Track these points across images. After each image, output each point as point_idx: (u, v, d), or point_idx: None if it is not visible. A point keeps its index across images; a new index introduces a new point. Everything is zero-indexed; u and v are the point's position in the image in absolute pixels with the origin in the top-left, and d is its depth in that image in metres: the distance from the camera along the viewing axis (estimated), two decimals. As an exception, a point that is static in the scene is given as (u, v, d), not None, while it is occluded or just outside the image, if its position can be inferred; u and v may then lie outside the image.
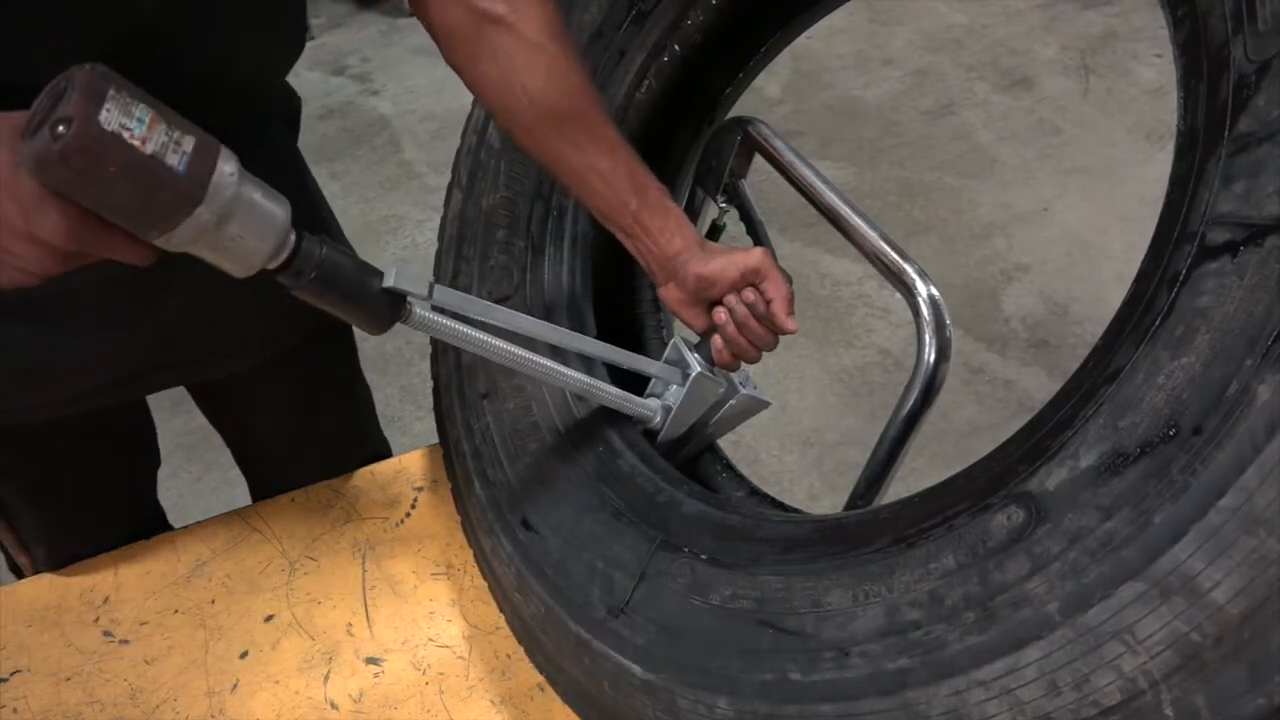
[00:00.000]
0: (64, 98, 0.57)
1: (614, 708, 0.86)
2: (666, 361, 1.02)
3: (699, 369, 0.99)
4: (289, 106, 1.13)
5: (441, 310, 0.82)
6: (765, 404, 1.06)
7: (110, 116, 0.57)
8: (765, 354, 1.00)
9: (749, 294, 0.95)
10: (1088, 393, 0.65)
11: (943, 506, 0.70)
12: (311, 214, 1.18)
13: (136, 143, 0.58)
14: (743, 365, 1.05)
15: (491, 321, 0.88)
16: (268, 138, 1.08)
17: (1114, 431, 0.61)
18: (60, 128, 0.56)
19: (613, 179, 0.93)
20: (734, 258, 0.94)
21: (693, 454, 1.11)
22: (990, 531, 0.65)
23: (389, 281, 0.76)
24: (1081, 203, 3.17)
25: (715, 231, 1.17)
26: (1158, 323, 0.62)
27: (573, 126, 0.92)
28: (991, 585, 0.63)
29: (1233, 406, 0.56)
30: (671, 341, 1.03)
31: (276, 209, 0.67)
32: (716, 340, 0.98)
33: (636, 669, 0.81)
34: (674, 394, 1.01)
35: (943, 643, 0.64)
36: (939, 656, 0.64)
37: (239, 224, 0.64)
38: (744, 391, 1.04)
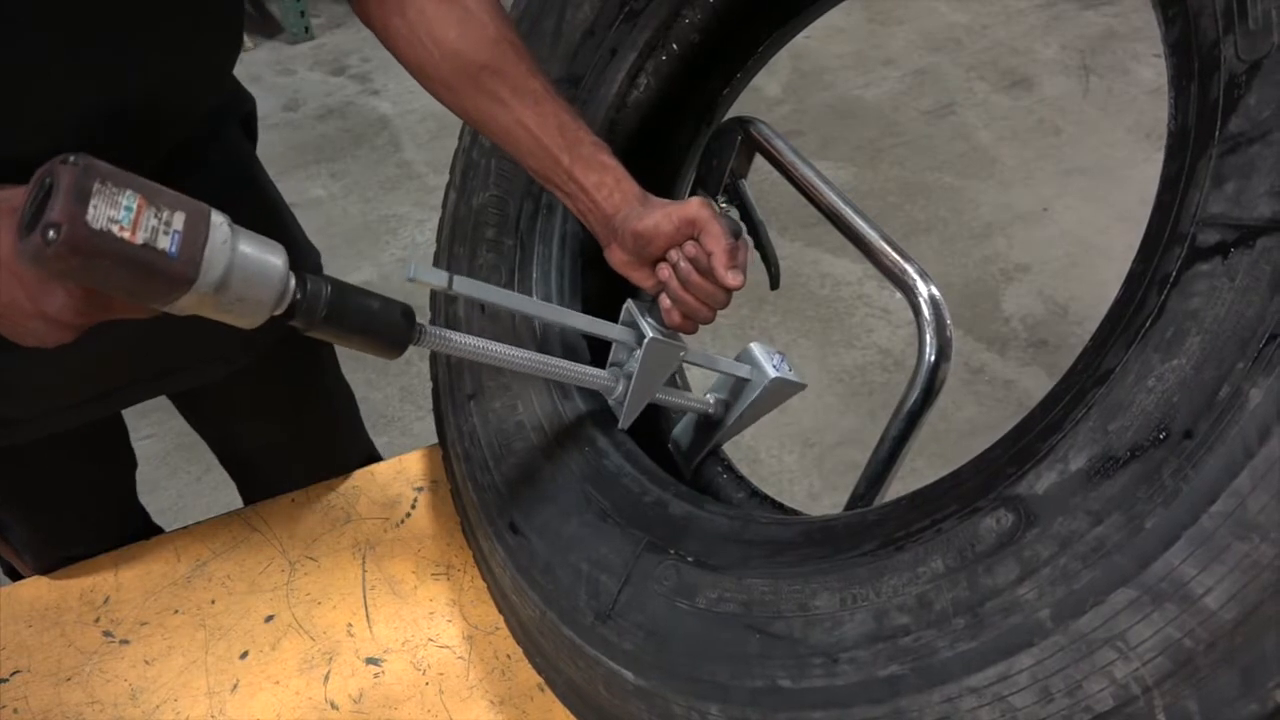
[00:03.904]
0: (51, 197, 0.58)
1: (611, 710, 0.86)
2: (622, 325, 0.96)
3: (651, 333, 0.92)
4: (242, 109, 1.12)
5: (453, 327, 0.82)
6: (800, 386, 1.02)
7: (98, 213, 0.58)
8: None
9: (690, 248, 0.89)
10: (1077, 395, 0.64)
11: (931, 509, 0.69)
12: (268, 215, 1.17)
13: (126, 234, 0.59)
14: (775, 348, 1.02)
15: (510, 307, 0.88)
16: (225, 138, 1.08)
17: (1104, 434, 0.60)
18: (50, 233, 0.57)
19: (541, 134, 0.90)
20: (669, 210, 0.89)
21: (724, 441, 1.09)
22: (979, 535, 0.64)
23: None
24: (1081, 203, 3.17)
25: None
26: (1148, 324, 0.61)
27: (493, 79, 0.90)
28: (981, 590, 0.62)
29: (1224, 410, 0.55)
30: (625, 304, 0.97)
31: (273, 260, 0.67)
32: (664, 300, 0.92)
33: (628, 674, 0.81)
34: (634, 360, 0.95)
35: (933, 649, 0.63)
36: (930, 663, 0.63)
37: (238, 287, 0.65)
38: (776, 374, 1.00)
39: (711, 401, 1.05)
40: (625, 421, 0.98)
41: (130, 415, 1.21)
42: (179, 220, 0.62)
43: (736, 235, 0.91)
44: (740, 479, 1.09)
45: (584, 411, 1.03)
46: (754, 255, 1.10)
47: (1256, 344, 0.55)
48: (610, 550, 0.88)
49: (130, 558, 1.18)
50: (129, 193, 0.60)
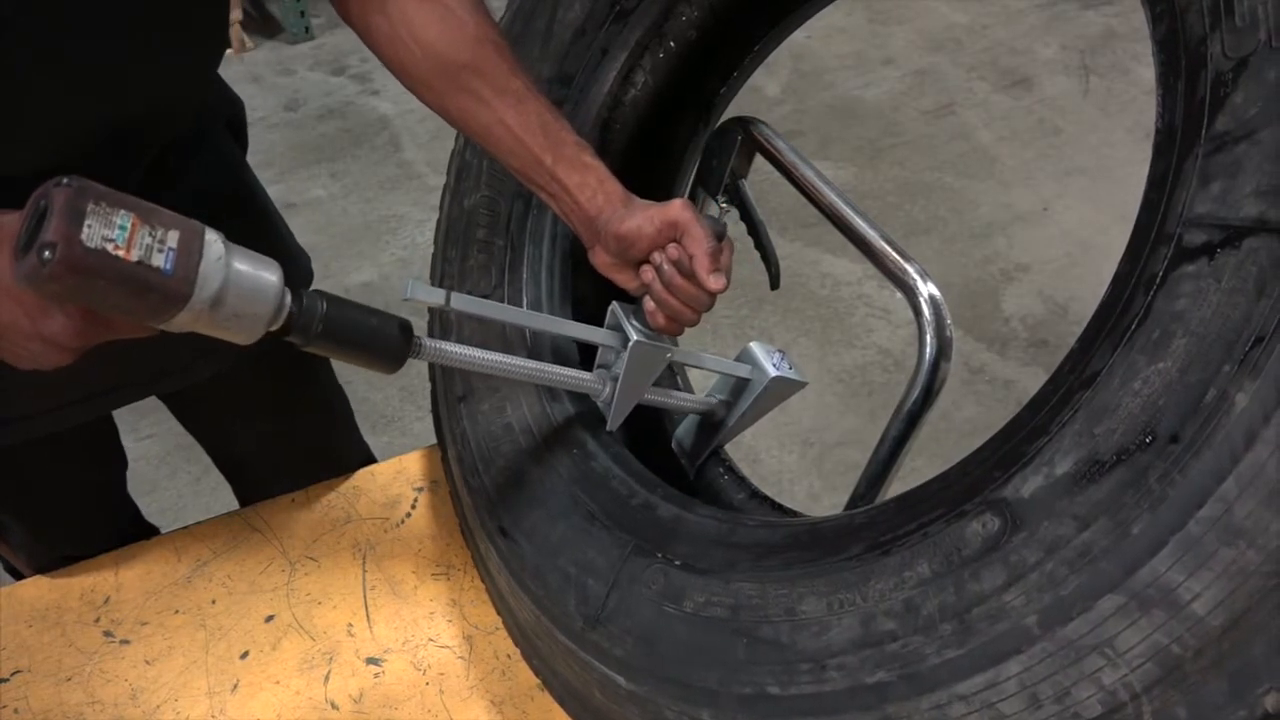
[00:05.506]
0: (46, 219, 0.59)
1: (607, 714, 0.87)
2: (607, 329, 0.95)
3: (636, 336, 0.92)
4: (230, 112, 1.13)
5: (447, 338, 0.83)
6: (802, 384, 1.02)
7: (92, 233, 0.59)
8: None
9: (673, 250, 0.88)
10: (1064, 397, 0.64)
11: (918, 513, 0.69)
12: (257, 219, 1.18)
13: (121, 253, 0.60)
14: (774, 346, 1.02)
15: (504, 319, 0.89)
16: (212, 140, 1.08)
17: (1090, 438, 0.60)
18: (46, 253, 0.58)
19: (523, 133, 0.89)
20: (650, 212, 0.88)
21: (726, 441, 1.09)
22: (965, 539, 0.64)
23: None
24: (1081, 203, 3.17)
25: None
26: (1134, 326, 0.60)
27: (474, 79, 0.89)
28: (968, 596, 0.62)
29: (1210, 414, 0.55)
30: (610, 307, 0.96)
31: (268, 276, 0.68)
32: (648, 303, 0.92)
33: (620, 680, 0.80)
34: (621, 363, 0.94)
35: (921, 656, 0.63)
36: (918, 670, 0.63)
37: (233, 303, 0.66)
38: (776, 373, 1.00)
39: (712, 402, 1.05)
40: (613, 423, 0.97)
41: (130, 415, 1.21)
42: (173, 238, 0.63)
43: (720, 237, 0.90)
44: (741, 480, 1.10)
45: (572, 413, 1.02)
46: (754, 255, 1.11)
47: (1243, 347, 0.55)
48: (598, 554, 0.87)
49: (130, 558, 1.18)
50: (123, 212, 0.61)
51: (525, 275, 1.12)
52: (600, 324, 0.96)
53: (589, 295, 1.15)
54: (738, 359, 1.03)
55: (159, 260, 0.61)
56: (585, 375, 0.94)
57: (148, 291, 0.62)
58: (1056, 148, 3.41)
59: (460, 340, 1.08)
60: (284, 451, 1.34)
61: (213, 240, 0.65)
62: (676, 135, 1.26)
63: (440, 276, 1.18)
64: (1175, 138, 0.63)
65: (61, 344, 0.68)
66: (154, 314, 0.64)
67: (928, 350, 0.91)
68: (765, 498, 1.07)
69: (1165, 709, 0.55)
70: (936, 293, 0.92)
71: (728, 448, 1.13)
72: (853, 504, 0.96)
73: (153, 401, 1.22)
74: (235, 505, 1.38)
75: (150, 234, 0.61)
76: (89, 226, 0.59)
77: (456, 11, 0.90)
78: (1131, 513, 0.56)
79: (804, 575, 0.72)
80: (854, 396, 2.62)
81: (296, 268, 1.21)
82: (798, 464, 2.47)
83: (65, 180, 0.60)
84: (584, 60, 1.14)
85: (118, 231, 0.60)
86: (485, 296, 1.11)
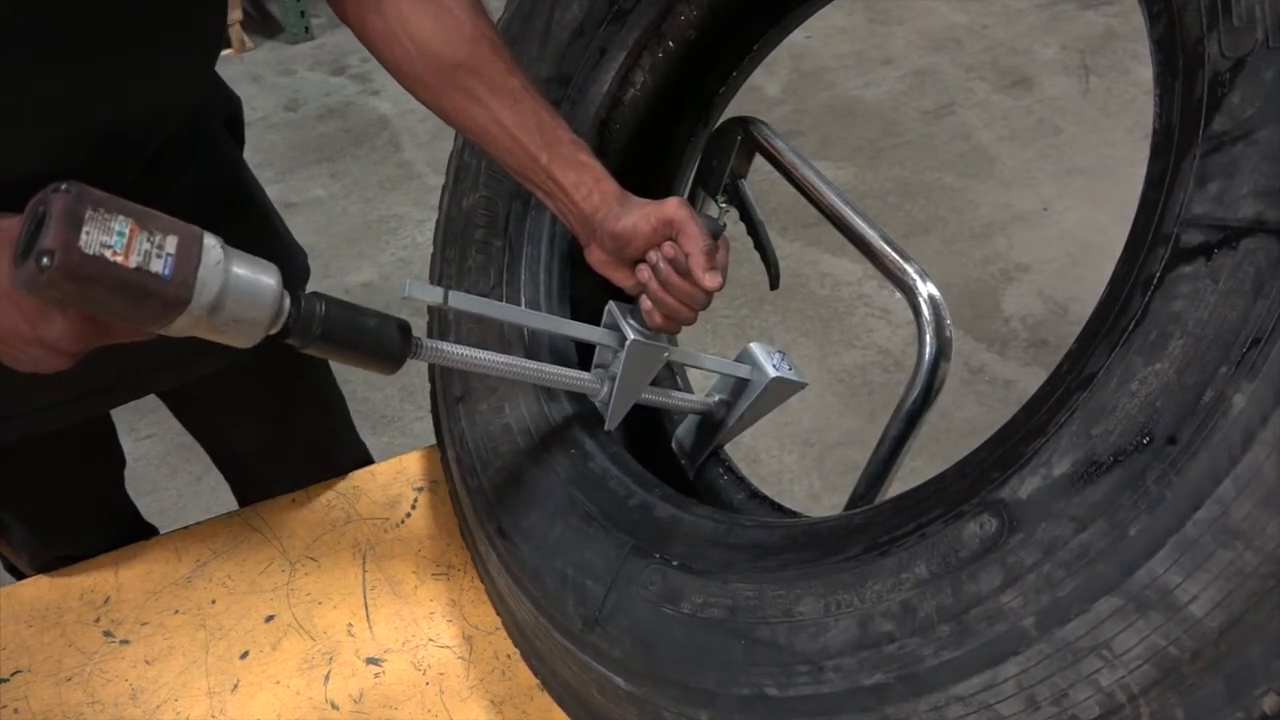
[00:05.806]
0: (44, 225, 0.59)
1: (606, 715, 0.87)
2: (604, 328, 0.95)
3: (633, 335, 0.91)
4: (226, 109, 1.13)
5: (445, 337, 0.83)
6: (801, 385, 1.02)
7: (91, 239, 0.59)
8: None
9: (669, 248, 0.88)
10: (1061, 398, 0.63)
11: (916, 514, 0.69)
12: (255, 216, 1.18)
13: (119, 259, 0.60)
14: (775, 347, 1.02)
15: (502, 318, 0.90)
16: (208, 138, 1.08)
17: (1087, 439, 0.60)
18: (44, 259, 0.58)
19: (519, 132, 0.89)
20: (646, 210, 0.88)
21: (726, 441, 1.09)
22: (963, 540, 0.63)
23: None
24: (1081, 203, 3.17)
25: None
26: (1131, 327, 0.60)
27: (469, 78, 0.89)
28: (965, 597, 0.62)
29: (1208, 415, 0.55)
30: (607, 306, 0.95)
31: (266, 279, 0.68)
32: (645, 302, 0.91)
33: (619, 681, 0.80)
34: (618, 362, 0.94)
35: (918, 657, 0.63)
36: (915, 671, 0.62)
37: (232, 307, 0.66)
38: (776, 374, 1.00)
39: (711, 402, 1.05)
40: (611, 423, 0.97)
41: (129, 415, 1.21)
42: (171, 244, 0.63)
43: (716, 235, 0.90)
44: (741, 480, 1.10)
45: (570, 414, 1.02)
46: (754, 255, 1.11)
47: (1240, 348, 0.55)
48: (596, 554, 0.87)
49: (130, 558, 1.18)
50: (121, 218, 0.61)
51: (523, 276, 1.12)
52: (599, 324, 0.96)
53: (588, 296, 1.14)
54: (738, 359, 1.03)
55: (157, 266, 0.61)
56: (583, 375, 0.94)
57: (146, 297, 0.62)
58: (1056, 148, 3.41)
59: (459, 340, 1.08)
60: (282, 453, 1.35)
61: (211, 245, 0.65)
62: (675, 135, 1.26)
63: (439, 277, 1.18)
64: (1172, 138, 0.63)
65: (61, 349, 0.68)
66: (153, 319, 0.64)
67: (927, 350, 0.91)
68: (764, 498, 1.07)
69: (1163, 711, 0.55)
70: (936, 293, 0.92)
71: (727, 448, 1.13)
72: (853, 504, 0.96)
73: (152, 401, 1.22)
74: (235, 505, 1.38)
75: (148, 239, 0.61)
76: (87, 233, 0.59)
77: (453, 10, 0.90)
78: (1129, 514, 0.56)
79: (801, 576, 0.71)
80: (854, 396, 2.62)
81: (294, 266, 1.21)
82: (798, 464, 2.47)
83: (64, 186, 0.60)
84: (582, 60, 1.14)
85: (116, 238, 0.60)
86: (483, 296, 1.11)
